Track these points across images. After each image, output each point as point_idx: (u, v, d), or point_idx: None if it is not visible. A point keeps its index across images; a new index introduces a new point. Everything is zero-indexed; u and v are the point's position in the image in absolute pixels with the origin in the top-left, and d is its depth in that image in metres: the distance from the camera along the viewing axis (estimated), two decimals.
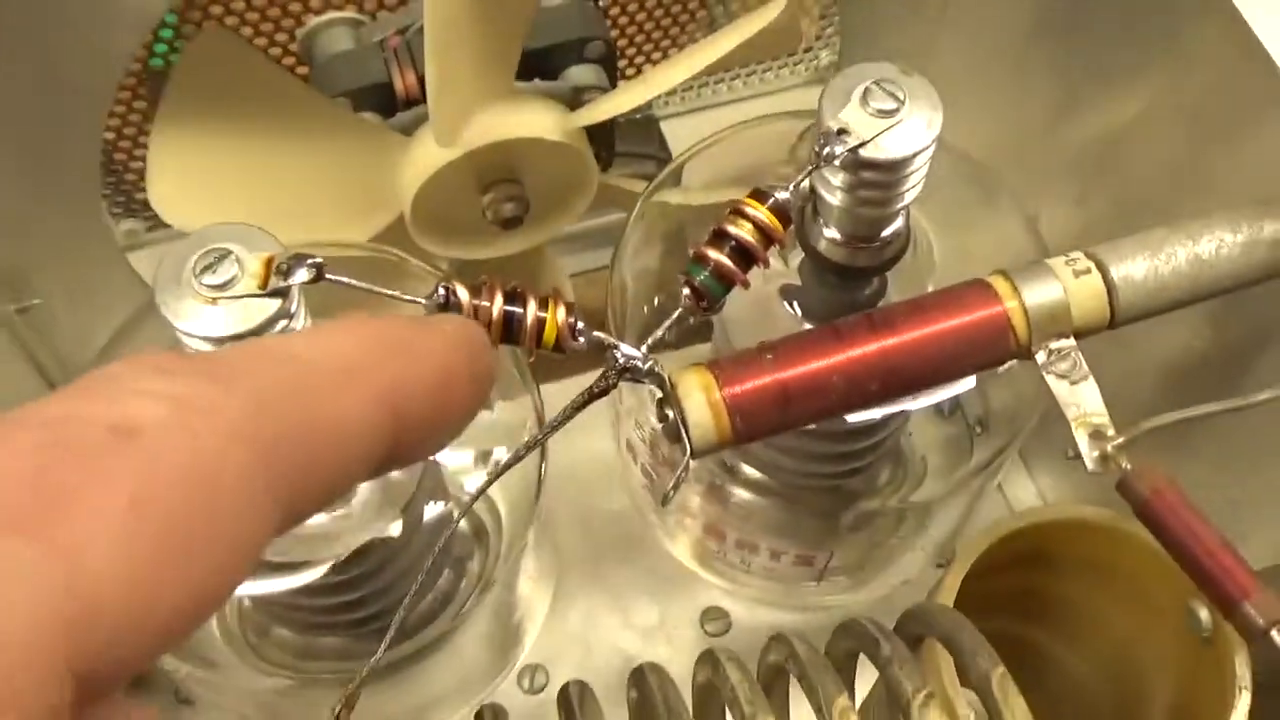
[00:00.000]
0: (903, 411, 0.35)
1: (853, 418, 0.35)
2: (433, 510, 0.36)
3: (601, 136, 0.44)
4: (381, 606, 0.36)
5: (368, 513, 0.33)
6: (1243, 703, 0.27)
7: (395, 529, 0.35)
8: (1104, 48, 0.38)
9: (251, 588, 0.33)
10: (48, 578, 0.12)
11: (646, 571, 0.45)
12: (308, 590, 0.33)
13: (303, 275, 0.24)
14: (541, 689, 0.42)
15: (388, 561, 0.35)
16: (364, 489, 0.34)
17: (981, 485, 0.38)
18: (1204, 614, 0.30)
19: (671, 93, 0.55)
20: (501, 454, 0.37)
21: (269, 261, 0.25)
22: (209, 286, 0.25)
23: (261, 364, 0.15)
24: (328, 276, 0.24)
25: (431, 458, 0.35)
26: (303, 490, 0.15)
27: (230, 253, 0.25)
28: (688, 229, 0.40)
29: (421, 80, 0.42)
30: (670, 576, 0.45)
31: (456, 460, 0.37)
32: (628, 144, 0.51)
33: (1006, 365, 0.29)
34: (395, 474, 0.34)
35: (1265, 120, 0.32)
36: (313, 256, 0.24)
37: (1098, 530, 0.32)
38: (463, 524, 0.40)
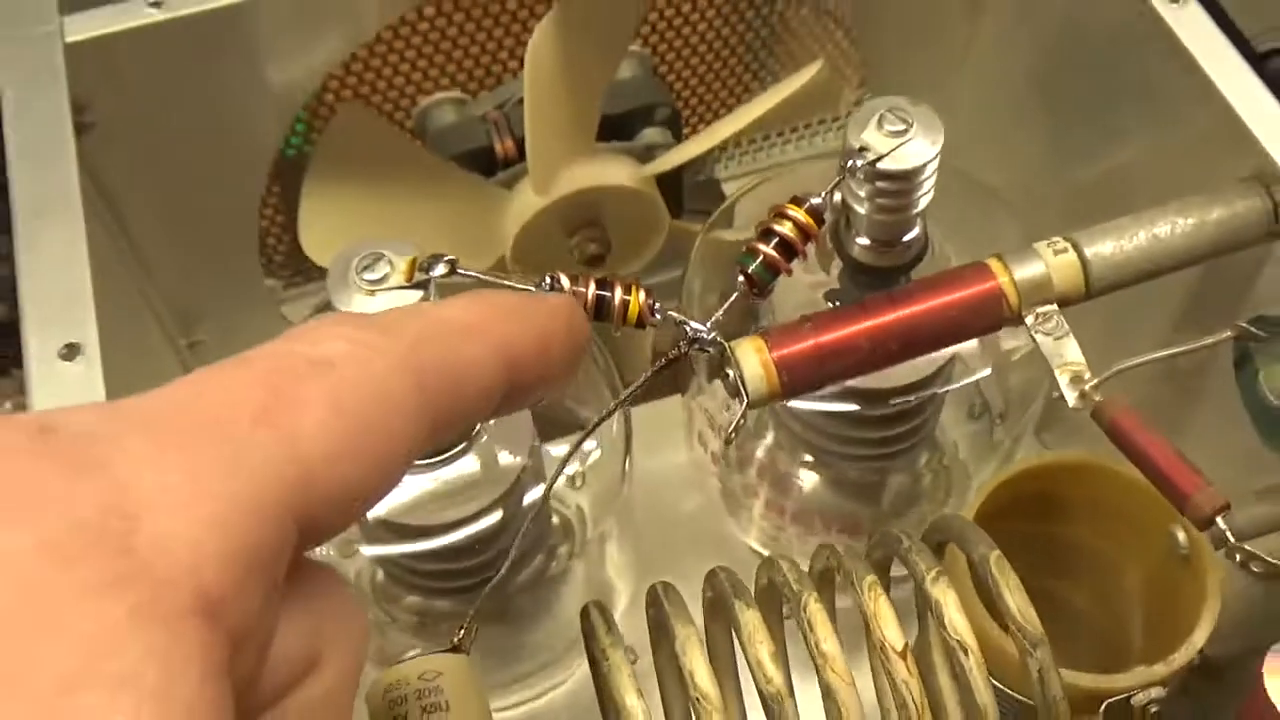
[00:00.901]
0: (934, 395, 0.41)
1: (896, 400, 0.41)
2: (533, 494, 0.42)
3: (671, 192, 0.52)
4: (487, 576, 0.42)
5: (480, 486, 0.40)
6: (1212, 607, 0.32)
7: (498, 513, 0.41)
8: (1090, 103, 0.45)
9: (386, 549, 0.40)
10: (279, 451, 0.17)
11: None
12: (431, 555, 0.40)
13: (440, 270, 0.31)
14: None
15: (493, 535, 0.41)
16: (478, 469, 0.40)
17: (1004, 460, 0.43)
18: (1182, 535, 0.35)
19: (731, 156, 0.63)
20: (592, 446, 0.44)
21: (413, 261, 0.32)
22: (368, 281, 0.32)
23: (414, 319, 0.20)
24: (459, 272, 0.31)
25: (536, 443, 0.42)
26: (444, 411, 0.20)
27: (384, 255, 0.32)
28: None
29: (518, 144, 0.50)
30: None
31: (557, 449, 0.43)
32: (695, 202, 0.58)
33: (1005, 335, 0.35)
34: (504, 457, 0.41)
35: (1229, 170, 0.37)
36: (448, 256, 0.31)
37: (1092, 471, 0.38)
38: (553, 519, 0.46)
